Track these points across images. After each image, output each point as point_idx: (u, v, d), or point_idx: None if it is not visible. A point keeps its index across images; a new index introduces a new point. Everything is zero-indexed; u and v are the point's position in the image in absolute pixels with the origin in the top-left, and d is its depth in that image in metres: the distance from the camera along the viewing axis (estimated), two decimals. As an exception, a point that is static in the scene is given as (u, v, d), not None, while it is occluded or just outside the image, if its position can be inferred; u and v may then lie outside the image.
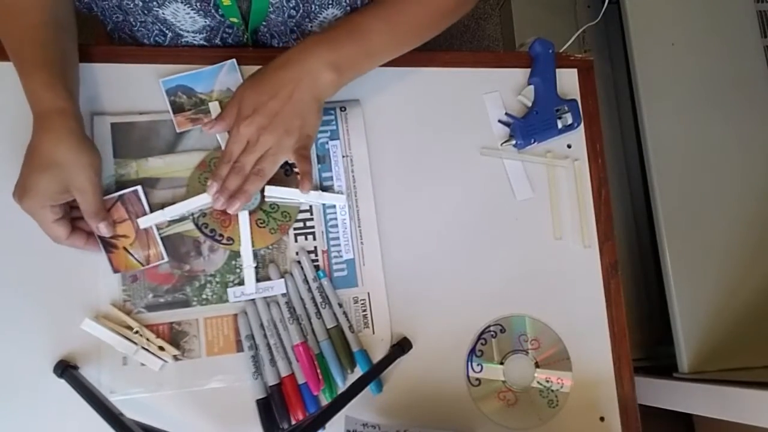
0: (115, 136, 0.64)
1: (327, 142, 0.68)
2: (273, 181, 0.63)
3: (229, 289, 0.63)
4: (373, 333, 0.65)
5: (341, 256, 0.66)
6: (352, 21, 0.62)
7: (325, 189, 0.67)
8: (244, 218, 0.63)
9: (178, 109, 0.65)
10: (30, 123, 0.63)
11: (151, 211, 0.63)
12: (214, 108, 0.65)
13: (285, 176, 0.66)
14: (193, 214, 0.64)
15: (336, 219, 0.66)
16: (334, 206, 0.67)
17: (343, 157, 0.68)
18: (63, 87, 0.57)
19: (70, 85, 0.58)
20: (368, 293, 0.66)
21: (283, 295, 0.64)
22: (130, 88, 0.66)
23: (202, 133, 0.65)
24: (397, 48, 0.65)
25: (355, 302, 0.66)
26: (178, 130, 0.65)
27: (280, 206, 0.65)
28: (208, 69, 0.66)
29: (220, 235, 0.64)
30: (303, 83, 0.58)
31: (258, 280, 0.63)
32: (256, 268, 0.64)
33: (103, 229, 0.59)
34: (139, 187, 0.63)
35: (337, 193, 0.66)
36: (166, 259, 0.63)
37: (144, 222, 0.62)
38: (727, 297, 1.02)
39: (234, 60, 0.67)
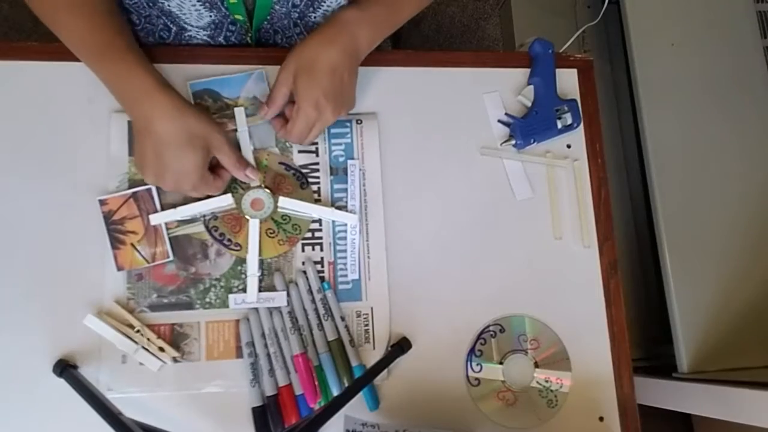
0: (131, 133, 0.64)
1: (341, 156, 0.68)
2: (287, 193, 0.64)
3: (230, 295, 0.63)
4: (374, 348, 0.65)
5: (347, 269, 0.66)
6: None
7: (338, 208, 0.66)
8: (254, 226, 0.63)
9: None
10: (29, 124, 0.64)
11: (162, 210, 0.63)
12: (239, 113, 0.65)
13: (300, 189, 0.66)
14: (204, 216, 0.64)
15: (345, 231, 0.66)
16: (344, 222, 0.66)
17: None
18: (147, 62, 0.57)
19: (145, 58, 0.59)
20: (371, 308, 0.66)
21: (287, 304, 0.63)
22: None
23: None
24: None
25: (357, 316, 0.65)
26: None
27: (292, 218, 0.65)
28: (237, 76, 0.67)
29: (229, 240, 0.64)
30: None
31: (262, 289, 0.63)
32: (260, 277, 0.64)
33: (251, 174, 0.62)
34: (153, 186, 0.63)
35: (350, 212, 0.66)
36: (171, 258, 0.63)
37: (155, 219, 0.62)
38: (727, 297, 1.02)
39: (263, 71, 0.68)
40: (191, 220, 0.64)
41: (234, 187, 0.65)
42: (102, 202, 0.62)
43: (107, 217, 0.62)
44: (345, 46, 0.61)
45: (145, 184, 0.63)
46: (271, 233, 0.65)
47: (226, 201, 0.63)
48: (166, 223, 0.63)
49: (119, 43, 0.57)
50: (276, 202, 0.64)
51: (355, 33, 0.61)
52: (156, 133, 0.56)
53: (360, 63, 0.64)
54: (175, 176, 0.58)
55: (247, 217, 0.63)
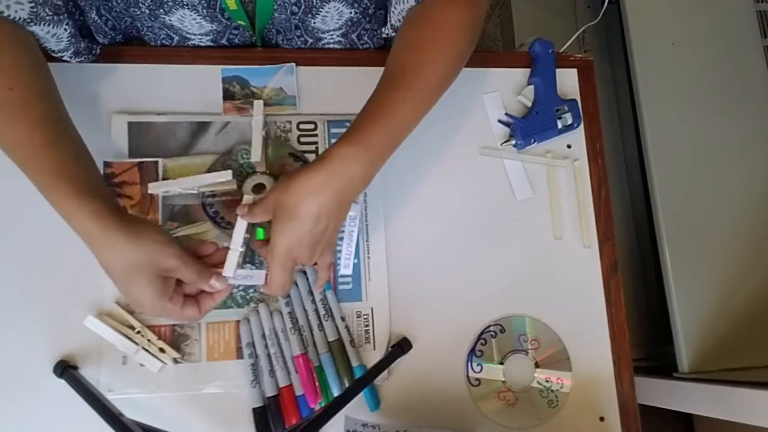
0: (132, 134, 0.65)
1: None
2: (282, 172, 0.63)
3: None
4: (374, 349, 0.65)
5: (339, 264, 0.66)
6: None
7: None
8: (248, 198, 0.60)
9: (228, 96, 0.68)
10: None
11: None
12: (257, 106, 0.66)
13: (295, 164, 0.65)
14: (203, 193, 0.64)
15: (343, 232, 0.66)
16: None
17: None
18: (83, 188, 0.50)
19: (83, 168, 0.53)
20: (372, 308, 0.66)
21: (287, 304, 0.63)
22: (150, 89, 0.67)
23: (216, 136, 0.66)
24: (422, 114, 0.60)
25: (357, 317, 0.65)
26: (222, 117, 0.67)
27: None
28: (267, 68, 0.70)
29: (222, 218, 0.64)
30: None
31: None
32: (243, 253, 0.59)
33: (215, 284, 0.56)
34: (159, 159, 0.63)
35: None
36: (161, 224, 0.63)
37: (153, 188, 0.62)
38: (727, 297, 1.02)
39: (293, 64, 0.70)
40: (190, 193, 0.63)
41: (239, 171, 0.65)
42: (107, 164, 0.63)
43: (108, 178, 0.63)
44: (335, 194, 0.53)
45: (153, 159, 0.63)
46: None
47: (226, 176, 0.60)
48: (168, 224, 0.63)
49: (49, 166, 0.51)
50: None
51: (350, 175, 0.53)
52: (101, 265, 0.52)
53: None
54: (137, 307, 0.57)
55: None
